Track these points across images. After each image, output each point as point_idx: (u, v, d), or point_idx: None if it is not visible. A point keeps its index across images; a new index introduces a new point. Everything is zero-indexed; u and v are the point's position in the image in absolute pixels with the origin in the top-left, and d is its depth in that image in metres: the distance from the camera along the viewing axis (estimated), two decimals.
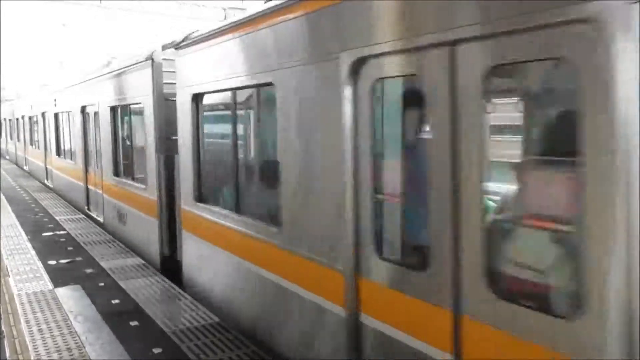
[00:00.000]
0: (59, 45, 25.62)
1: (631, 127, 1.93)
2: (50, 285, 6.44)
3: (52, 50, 26.98)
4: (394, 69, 3.04)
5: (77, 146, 11.49)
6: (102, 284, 6.52)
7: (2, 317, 5.31)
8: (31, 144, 18.55)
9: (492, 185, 2.73)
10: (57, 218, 10.92)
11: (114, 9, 26.73)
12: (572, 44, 2.11)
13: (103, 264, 7.40)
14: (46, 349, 4.62)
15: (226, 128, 5.22)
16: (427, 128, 2.90)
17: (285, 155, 4.05)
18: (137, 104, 7.75)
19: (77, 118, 11.30)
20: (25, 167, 21.14)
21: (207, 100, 5.69)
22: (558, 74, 2.56)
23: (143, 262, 7.47)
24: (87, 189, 11.16)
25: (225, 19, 26.40)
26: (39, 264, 7.42)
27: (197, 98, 5.66)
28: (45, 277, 6.80)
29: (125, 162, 8.84)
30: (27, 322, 5.25)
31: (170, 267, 6.87)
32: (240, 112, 5.23)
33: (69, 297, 6.03)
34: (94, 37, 25.51)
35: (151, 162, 7.17)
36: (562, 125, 2.58)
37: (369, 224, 3.22)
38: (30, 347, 4.66)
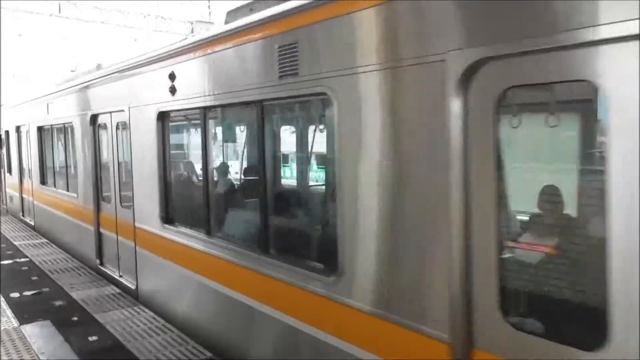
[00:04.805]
0: (15, 57, 24.25)
1: None
2: (15, 323, 5.77)
3: (6, 62, 25.53)
4: None
5: None
6: (75, 318, 5.90)
7: None
8: None
9: None
10: (15, 243, 10.08)
11: (72, 20, 25.59)
12: None
13: (74, 294, 6.76)
14: None
15: None
16: None
17: None
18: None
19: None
20: None
21: None
22: None
23: (119, 291, 6.88)
24: None
25: (192, 32, 25.70)
26: (0, 297, 6.70)
27: None
28: (9, 312, 6.10)
29: None
30: None
31: None
32: None
33: (38, 335, 5.39)
34: (53, 48, 24.42)
35: None
36: None
37: None
38: None
